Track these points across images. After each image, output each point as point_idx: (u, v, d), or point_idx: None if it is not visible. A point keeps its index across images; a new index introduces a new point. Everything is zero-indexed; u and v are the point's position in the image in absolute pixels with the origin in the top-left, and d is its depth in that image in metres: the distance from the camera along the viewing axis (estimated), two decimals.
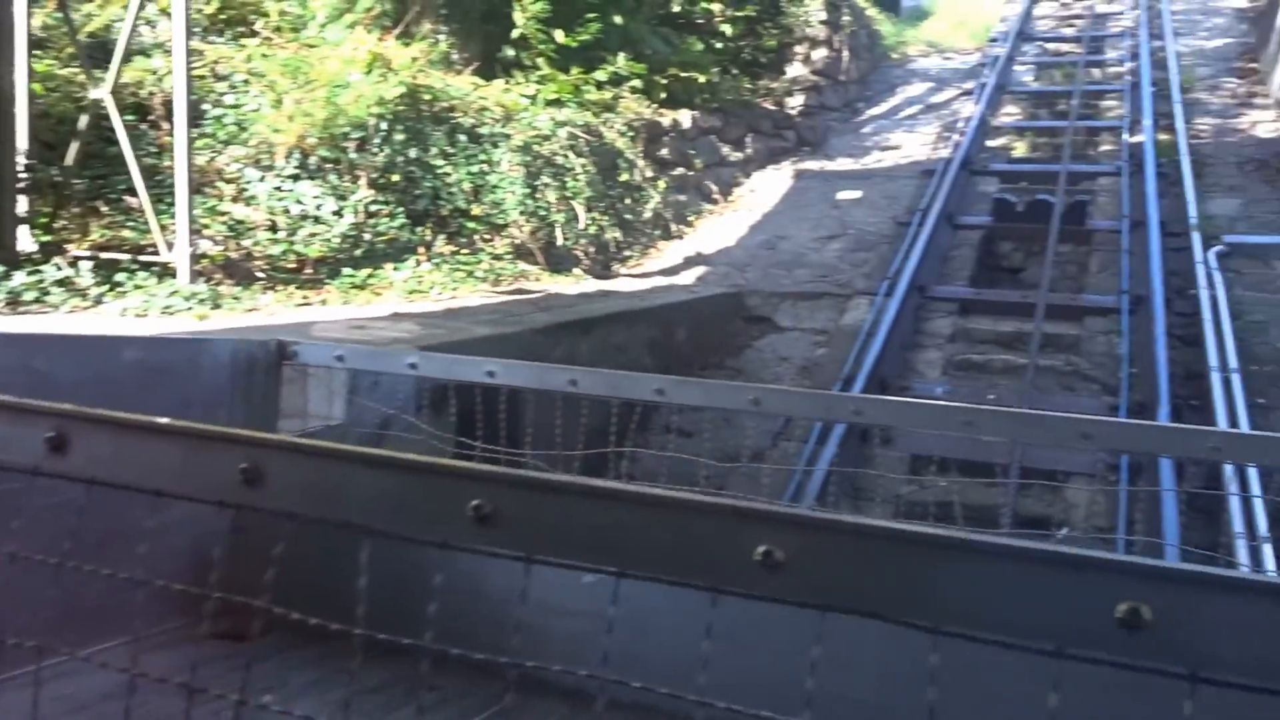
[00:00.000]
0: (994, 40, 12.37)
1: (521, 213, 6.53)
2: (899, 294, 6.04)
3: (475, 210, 6.47)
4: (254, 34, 6.94)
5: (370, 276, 5.69)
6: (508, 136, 6.69)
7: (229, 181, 5.90)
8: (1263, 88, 9.45)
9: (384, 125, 6.28)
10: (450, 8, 7.37)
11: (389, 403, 2.83)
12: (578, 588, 1.36)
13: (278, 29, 7.16)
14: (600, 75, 7.61)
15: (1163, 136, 8.36)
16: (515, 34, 7.48)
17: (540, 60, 7.50)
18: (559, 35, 7.52)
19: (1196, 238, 6.32)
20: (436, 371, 2.39)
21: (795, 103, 9.81)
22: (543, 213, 6.65)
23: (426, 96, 6.63)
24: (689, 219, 8.08)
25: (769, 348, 6.21)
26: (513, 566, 0.70)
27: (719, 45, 9.42)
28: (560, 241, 6.70)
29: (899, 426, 4.64)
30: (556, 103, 7.30)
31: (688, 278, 6.97)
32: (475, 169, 6.54)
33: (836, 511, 4.48)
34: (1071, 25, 13.08)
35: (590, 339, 4.83)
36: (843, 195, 8.31)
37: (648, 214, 7.51)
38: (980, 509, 4.25)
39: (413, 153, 6.37)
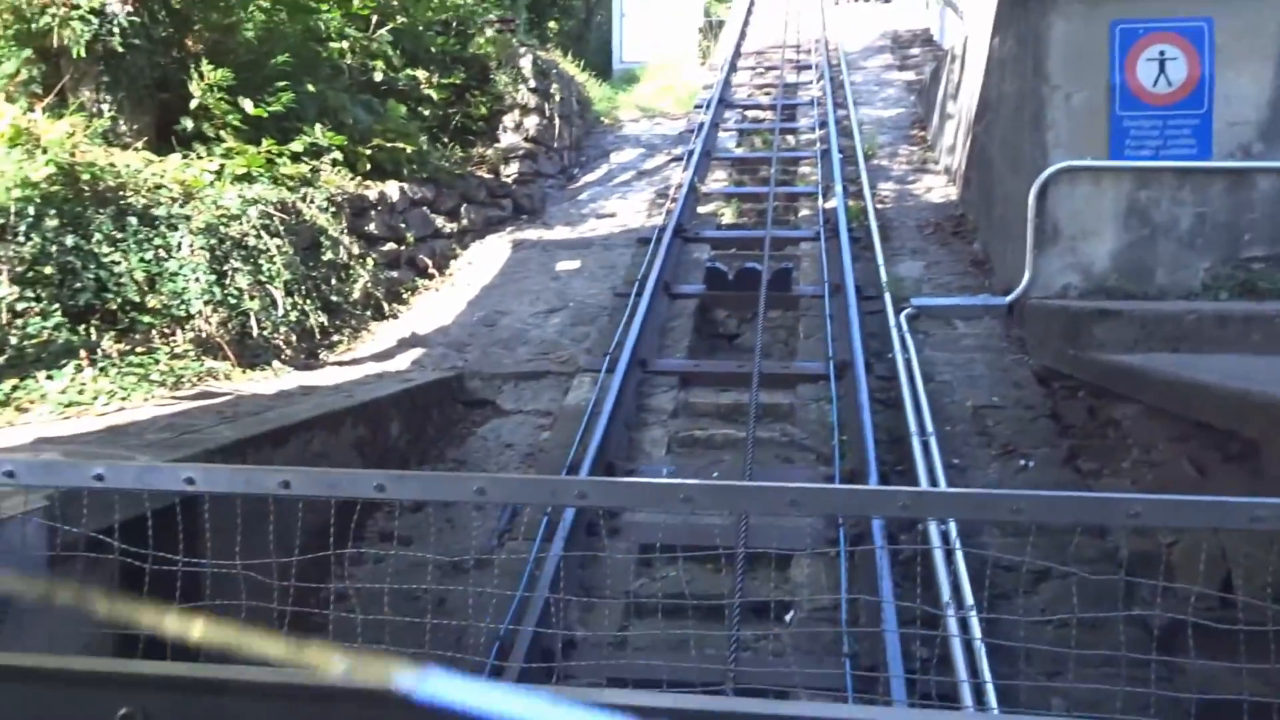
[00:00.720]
0: (699, 106, 12.94)
1: (207, 302, 5.83)
2: (620, 370, 5.95)
3: (151, 303, 5.70)
4: None
5: (16, 389, 4.82)
6: (188, 218, 5.98)
7: None
8: (932, 154, 10.46)
9: (30, 211, 5.41)
10: (114, 74, 6.54)
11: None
12: None
13: None
14: (296, 147, 7.06)
15: (852, 202, 8.98)
16: (194, 104, 6.77)
17: (225, 132, 6.83)
18: (246, 105, 6.89)
19: (888, 301, 6.74)
20: (127, 482, 2.01)
21: (510, 170, 9.67)
22: (233, 301, 5.98)
23: (86, 175, 5.80)
24: (403, 296, 7.65)
25: (492, 434, 5.90)
26: None
27: (427, 113, 9.12)
28: (256, 332, 6.06)
29: (624, 507, 4.55)
30: (247, 178, 6.66)
31: (403, 362, 6.54)
32: (149, 255, 5.78)
33: (567, 618, 4.24)
34: (767, 93, 13.97)
35: (286, 451, 4.29)
36: (562, 265, 8.21)
37: (356, 294, 7.01)
38: (710, 597, 4.16)
39: (70, 240, 5.52)
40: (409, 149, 8.09)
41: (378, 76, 8.50)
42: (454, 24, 9.71)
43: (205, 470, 1.92)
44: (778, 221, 8.84)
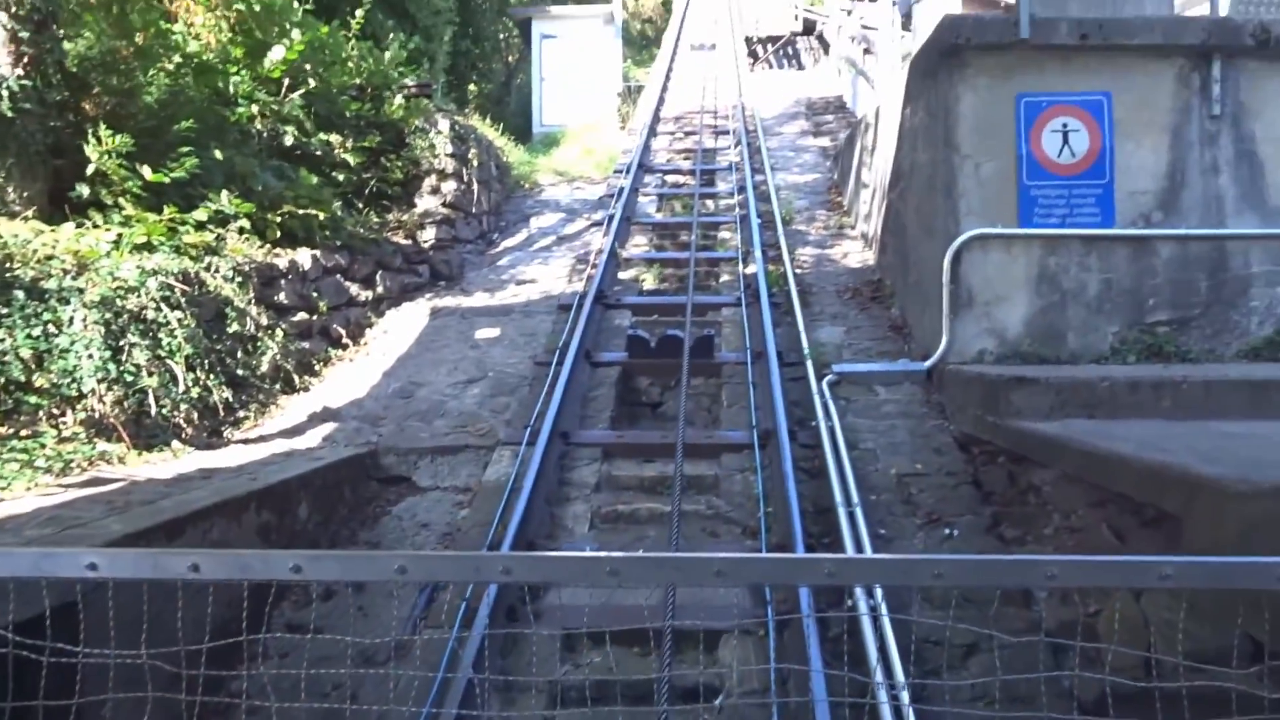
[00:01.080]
0: (619, 171, 13.02)
1: (101, 380, 5.51)
2: (541, 443, 5.79)
3: (38, 382, 5.36)
4: None
5: None
6: (81, 290, 5.68)
7: None
8: (849, 219, 10.64)
9: None
10: (1, 140, 6.23)
11: None
12: None
13: None
14: (200, 215, 6.79)
15: (772, 267, 9.05)
16: (91, 170, 6.48)
17: (124, 199, 6.55)
18: (147, 171, 6.63)
19: (810, 367, 6.73)
20: (23, 570, 1.92)
21: (428, 236, 9.51)
22: (130, 378, 5.66)
23: None
24: (315, 368, 7.38)
25: (408, 513, 5.66)
26: None
27: (341, 178, 8.93)
28: (154, 410, 5.74)
29: (550, 582, 4.36)
30: (147, 247, 6.37)
31: (313, 438, 6.26)
32: (37, 332, 5.45)
33: (488, 709, 4.01)
34: (686, 158, 14.13)
35: (181, 544, 4.01)
36: (481, 333, 8.04)
37: (265, 367, 6.72)
38: (637, 684, 3.99)
39: None
40: (322, 215, 7.88)
41: (289, 141, 8.30)
42: (369, 88, 9.58)
43: (109, 555, 1.88)
44: (699, 287, 8.84)
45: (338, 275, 8.09)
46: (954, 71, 6.60)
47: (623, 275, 9.38)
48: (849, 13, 21.02)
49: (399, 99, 9.70)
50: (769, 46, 28.50)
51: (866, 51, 17.27)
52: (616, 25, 23.23)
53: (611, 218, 10.61)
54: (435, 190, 9.79)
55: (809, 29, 30.19)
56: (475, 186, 10.30)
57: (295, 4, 8.92)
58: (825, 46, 26.63)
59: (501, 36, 27.17)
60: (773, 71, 25.44)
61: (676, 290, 8.91)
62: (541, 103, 23.12)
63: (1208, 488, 2.90)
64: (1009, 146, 6.55)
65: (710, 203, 11.74)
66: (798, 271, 9.04)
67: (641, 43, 40.98)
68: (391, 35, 15.10)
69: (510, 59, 27.53)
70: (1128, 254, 6.47)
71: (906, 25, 12.80)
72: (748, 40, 27.38)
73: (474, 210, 10.26)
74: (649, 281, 9.20)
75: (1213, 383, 4.92)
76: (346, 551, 5.00)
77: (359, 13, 10.31)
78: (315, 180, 8.07)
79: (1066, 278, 6.35)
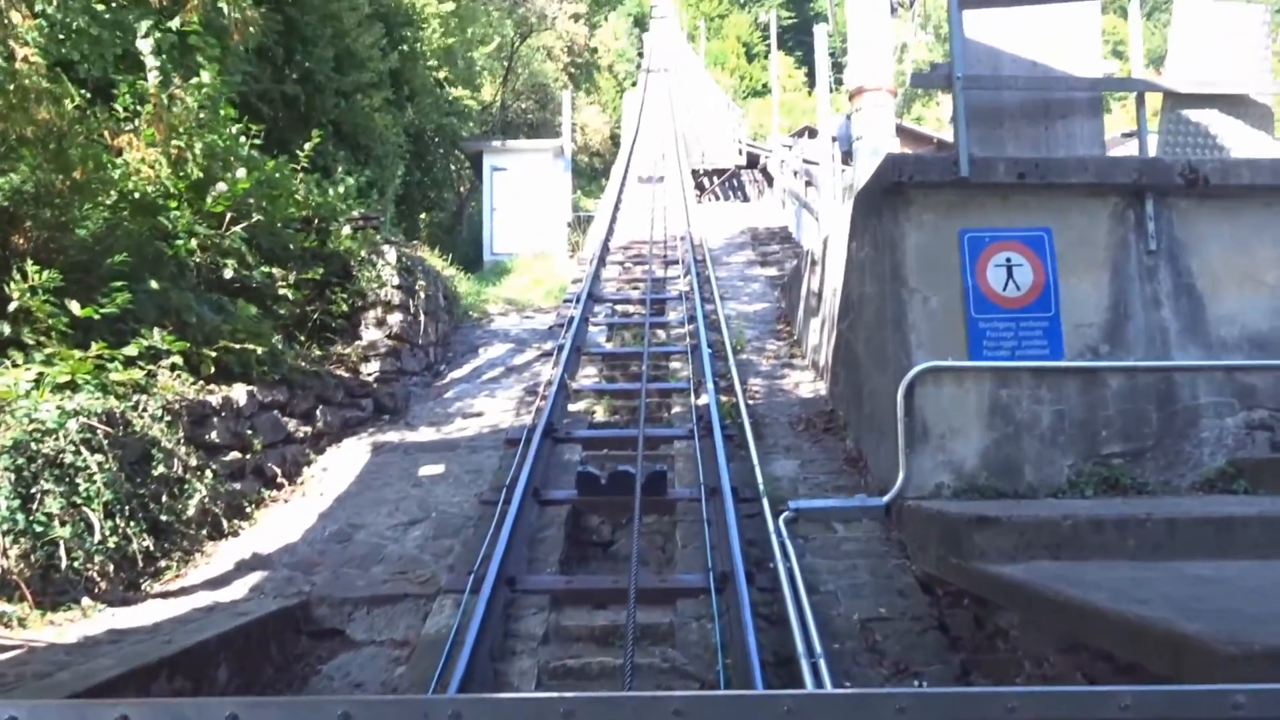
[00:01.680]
0: (568, 300, 13.00)
1: (6, 532, 5.10)
2: (485, 591, 5.44)
3: None
4: None
5: None
6: None
7: None
8: (799, 349, 10.65)
9: None
10: None
11: None
12: None
13: None
14: (131, 351, 6.51)
15: (724, 398, 8.94)
16: (13, 306, 6.20)
17: (49, 337, 6.25)
18: (75, 306, 6.36)
19: (766, 504, 6.53)
20: None
21: (372, 369, 9.28)
22: (40, 528, 5.26)
23: None
24: (246, 510, 6.99)
25: (340, 671, 5.24)
26: None
27: (283, 311, 8.72)
28: (65, 563, 5.31)
29: None
30: (70, 386, 6.05)
31: (240, 589, 5.85)
32: None
33: None
34: (635, 287, 14.20)
35: None
36: (425, 470, 7.74)
37: (191, 511, 6.33)
38: None
39: None
40: (259, 350, 7.62)
41: (229, 274, 8.10)
42: (316, 220, 9.49)
43: (30, 708, 1.76)
44: (651, 419, 8.68)
45: (275, 411, 7.78)
46: (898, 209, 6.69)
47: (573, 407, 9.19)
48: (790, 147, 21.77)
49: (346, 230, 9.61)
50: (715, 179, 29.36)
51: (808, 184, 17.80)
52: (566, 159, 23.76)
53: (561, 348, 10.50)
54: (381, 322, 9.62)
55: (753, 162, 31.27)
56: (422, 318, 10.15)
57: (241, 140, 8.88)
58: (768, 179, 27.49)
59: (454, 168, 27.66)
60: (719, 203, 26.11)
61: (628, 423, 8.73)
62: (492, 232, 23.38)
63: (1196, 650, 2.72)
64: (955, 280, 6.60)
65: (661, 332, 11.71)
66: (750, 402, 8.94)
67: (590, 174, 42.10)
68: (341, 168, 15.27)
69: (463, 189, 27.97)
70: (1078, 386, 6.47)
71: (847, 160, 13.20)
72: (694, 173, 28.18)
73: (420, 342, 10.08)
74: (600, 413, 9.01)
75: (1177, 521, 4.80)
76: (287, 698, 4.58)
77: (308, 146, 10.31)
78: (255, 313, 7.85)
79: (1019, 410, 6.31)
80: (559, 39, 42.79)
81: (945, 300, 6.56)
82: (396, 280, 9.74)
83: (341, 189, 10.08)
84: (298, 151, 10.22)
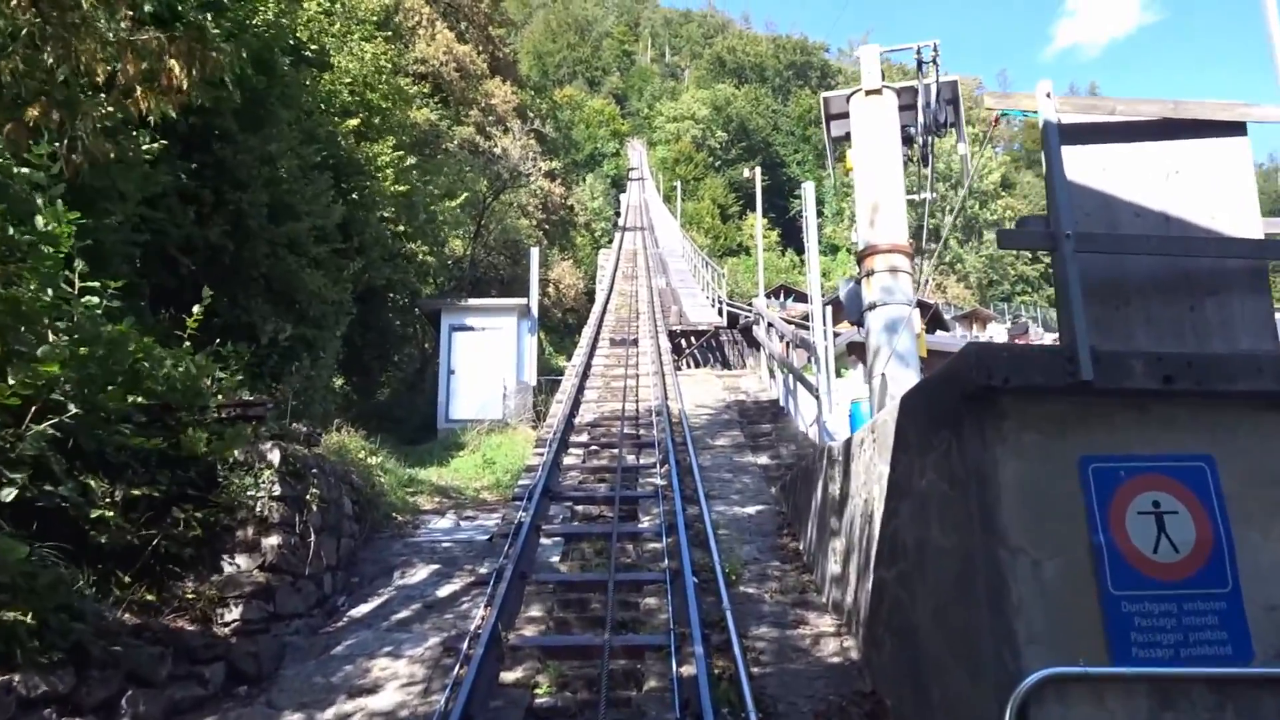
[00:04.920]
0: (518, 499, 10.52)
1: None
2: None
3: None
4: None
5: None
6: None
7: None
8: (812, 579, 8.14)
9: None
10: None
11: None
12: None
13: None
14: None
15: (719, 664, 6.41)
16: None
17: None
18: None
19: None
20: None
21: (231, 616, 6.66)
22: None
23: None
24: None
25: None
26: None
27: (103, 541, 6.17)
28: None
29: None
30: None
31: None
32: None
33: None
34: (602, 479, 11.75)
35: None
36: None
37: None
38: None
39: None
40: (28, 618, 5.06)
41: (9, 496, 5.58)
42: (171, 408, 7.07)
43: None
44: (615, 702, 6.08)
45: (49, 709, 5.11)
46: (986, 424, 4.47)
47: (507, 676, 6.56)
48: (783, 305, 19.86)
49: (212, 424, 7.17)
50: (693, 340, 27.46)
51: (799, 346, 15.74)
52: (532, 319, 21.78)
53: (500, 573, 7.97)
54: (252, 547, 7.06)
55: (733, 322, 29.54)
56: (314, 538, 7.59)
57: (69, 302, 6.53)
58: (749, 340, 25.63)
59: (414, 327, 25.64)
60: (699, 370, 24.03)
61: (581, 708, 6.10)
62: (449, 397, 21.12)
63: None
64: (1080, 534, 4.40)
65: (631, 547, 9.19)
66: (754, 671, 6.39)
67: (564, 330, 40.33)
68: (271, 327, 12.98)
69: (427, 344, 25.87)
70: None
71: (860, 325, 11.13)
72: (671, 334, 26.29)
73: (309, 571, 7.50)
74: (543, 688, 6.38)
75: None
76: None
77: (196, 309, 7.97)
78: (23, 555, 5.28)
79: None
80: (533, 196, 41.91)
81: (1066, 567, 4.32)
82: (278, 489, 7.24)
83: (219, 366, 7.71)
84: (184, 317, 7.91)
